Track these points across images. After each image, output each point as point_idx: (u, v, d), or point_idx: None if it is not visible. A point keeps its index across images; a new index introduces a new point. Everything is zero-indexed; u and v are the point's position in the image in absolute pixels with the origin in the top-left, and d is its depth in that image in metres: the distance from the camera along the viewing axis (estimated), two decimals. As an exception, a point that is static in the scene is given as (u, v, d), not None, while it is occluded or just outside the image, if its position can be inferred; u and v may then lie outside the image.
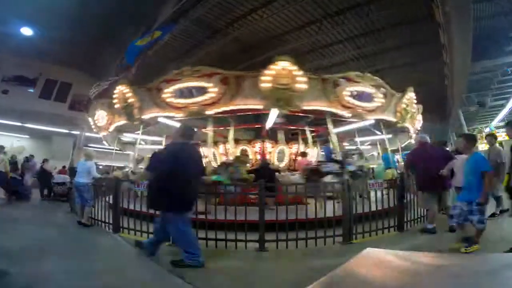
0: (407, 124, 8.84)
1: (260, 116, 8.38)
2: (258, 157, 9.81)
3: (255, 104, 6.68)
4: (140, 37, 12.48)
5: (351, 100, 7.11)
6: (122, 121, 8.50)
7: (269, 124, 8.55)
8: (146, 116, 7.64)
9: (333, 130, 8.44)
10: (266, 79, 6.30)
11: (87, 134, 16.83)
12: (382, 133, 9.71)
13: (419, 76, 15.78)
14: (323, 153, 10.51)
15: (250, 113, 7.60)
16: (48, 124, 16.74)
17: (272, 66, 6.28)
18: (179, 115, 7.14)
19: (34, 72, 16.39)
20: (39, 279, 3.13)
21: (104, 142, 11.77)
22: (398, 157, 15.16)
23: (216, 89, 6.67)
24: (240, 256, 4.42)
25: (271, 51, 14.17)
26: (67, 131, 17.74)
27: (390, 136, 10.46)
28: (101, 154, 14.29)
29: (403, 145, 11.82)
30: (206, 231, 4.66)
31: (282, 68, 6.26)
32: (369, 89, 7.34)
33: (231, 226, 4.68)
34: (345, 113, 7.29)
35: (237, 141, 10.24)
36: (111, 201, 5.95)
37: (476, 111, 21.57)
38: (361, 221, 5.11)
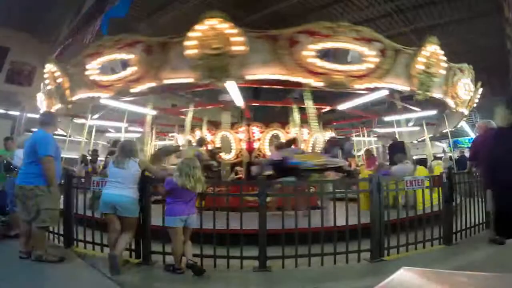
0: (438, 95, 8.21)
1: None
2: (244, 145, 9.93)
3: (185, 77, 6.81)
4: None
5: (319, 63, 6.63)
6: (58, 105, 9.16)
7: (238, 101, 8.88)
8: (77, 97, 8.29)
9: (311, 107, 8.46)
10: (191, 44, 6.29)
11: (30, 115, 16.72)
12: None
13: (472, 38, 15.61)
14: None
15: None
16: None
17: (197, 27, 6.23)
18: (106, 95, 7.72)
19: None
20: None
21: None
22: (445, 146, 15.25)
23: (138, 61, 6.99)
24: (233, 278, 4.40)
25: (276, 4, 13.99)
26: (2, 111, 17.62)
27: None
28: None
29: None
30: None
31: (210, 27, 6.17)
32: (350, 45, 6.74)
33: (222, 238, 4.64)
34: (313, 82, 6.83)
35: (216, 125, 10.58)
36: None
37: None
38: (395, 231, 5.07)
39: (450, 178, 5.81)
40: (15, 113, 17.69)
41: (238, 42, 6.17)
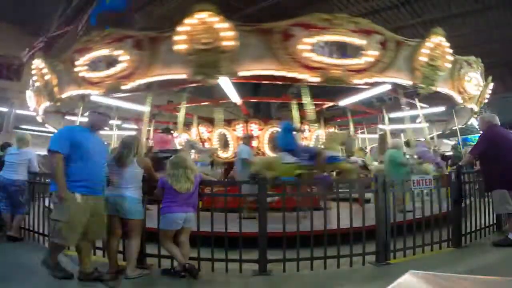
0: (444, 90, 8.22)
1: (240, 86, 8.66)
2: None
3: (177, 73, 6.87)
4: None
5: (316, 57, 6.63)
6: (46, 103, 9.28)
7: (234, 98, 9.06)
8: (66, 94, 8.39)
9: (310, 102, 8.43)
10: (180, 38, 6.31)
11: (19, 111, 16.67)
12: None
13: (488, 31, 15.58)
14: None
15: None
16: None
17: (186, 21, 6.23)
18: (96, 92, 7.78)
19: None
20: None
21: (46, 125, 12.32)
22: (454, 143, 15.30)
23: (128, 57, 7.01)
24: (232, 282, 4.39)
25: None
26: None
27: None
28: (40, 139, 14.21)
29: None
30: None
31: (199, 21, 6.17)
32: (348, 38, 6.70)
33: (220, 240, 4.63)
34: (309, 77, 6.86)
35: (212, 122, 10.80)
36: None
37: None
38: (402, 233, 5.06)
39: (459, 177, 5.81)
40: (3, 109, 17.63)
41: (228, 36, 6.17)
